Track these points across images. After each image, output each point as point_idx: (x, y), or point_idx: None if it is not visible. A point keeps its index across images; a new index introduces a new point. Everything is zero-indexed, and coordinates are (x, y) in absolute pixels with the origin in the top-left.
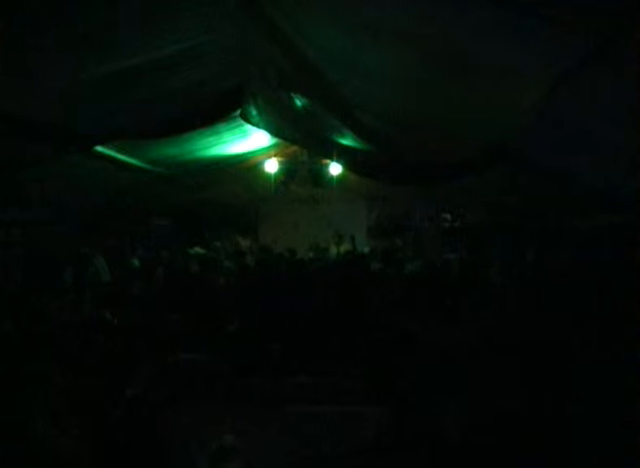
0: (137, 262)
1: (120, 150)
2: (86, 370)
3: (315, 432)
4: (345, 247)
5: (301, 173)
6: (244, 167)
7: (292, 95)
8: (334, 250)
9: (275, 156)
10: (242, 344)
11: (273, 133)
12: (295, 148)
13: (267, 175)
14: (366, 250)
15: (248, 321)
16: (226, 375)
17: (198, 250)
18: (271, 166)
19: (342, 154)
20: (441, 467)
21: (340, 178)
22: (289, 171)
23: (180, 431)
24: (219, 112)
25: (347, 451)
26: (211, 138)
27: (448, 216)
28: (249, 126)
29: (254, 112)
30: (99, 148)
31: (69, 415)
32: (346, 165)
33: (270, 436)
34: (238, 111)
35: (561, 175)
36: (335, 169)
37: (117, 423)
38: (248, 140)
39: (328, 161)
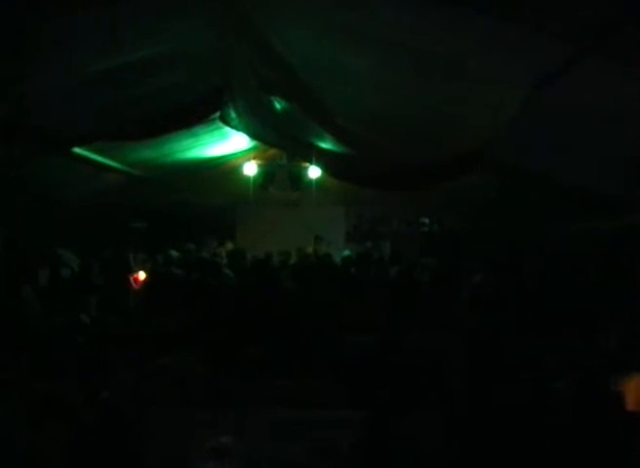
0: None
1: (98, 152)
2: (62, 374)
3: (295, 436)
4: (323, 250)
5: (280, 176)
6: (222, 169)
7: (271, 97)
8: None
9: (254, 159)
10: (223, 348)
11: (252, 135)
12: (273, 151)
13: (246, 178)
14: (346, 253)
15: (230, 325)
16: (207, 379)
17: (173, 253)
18: (250, 169)
19: (321, 157)
20: None
21: (319, 182)
22: (267, 174)
23: (158, 434)
24: (198, 114)
25: (326, 456)
26: (189, 141)
27: (426, 221)
28: (228, 128)
29: (233, 115)
30: (77, 150)
31: (46, 419)
32: (325, 168)
33: (250, 439)
34: (217, 113)
35: (539, 179)
36: (314, 172)
37: (93, 426)
38: (227, 143)
39: (307, 164)
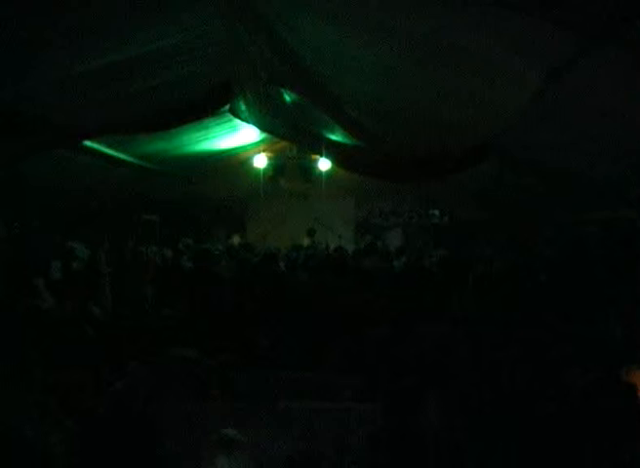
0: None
1: (109, 145)
2: (74, 366)
3: (307, 428)
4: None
5: (290, 168)
6: (233, 162)
7: (281, 90)
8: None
9: (264, 151)
10: (233, 339)
11: (262, 128)
12: (283, 143)
13: (256, 171)
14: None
15: (239, 316)
16: (217, 371)
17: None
18: (260, 161)
19: (331, 149)
20: (431, 464)
21: (329, 174)
22: (277, 166)
23: (169, 426)
24: (208, 107)
25: (339, 447)
26: (199, 133)
27: (436, 213)
28: (238, 121)
29: (243, 107)
30: (87, 143)
31: (57, 412)
32: (335, 160)
33: (260, 431)
34: (227, 106)
35: (548, 171)
36: (324, 164)
37: (105, 418)
38: (237, 135)
39: (317, 156)
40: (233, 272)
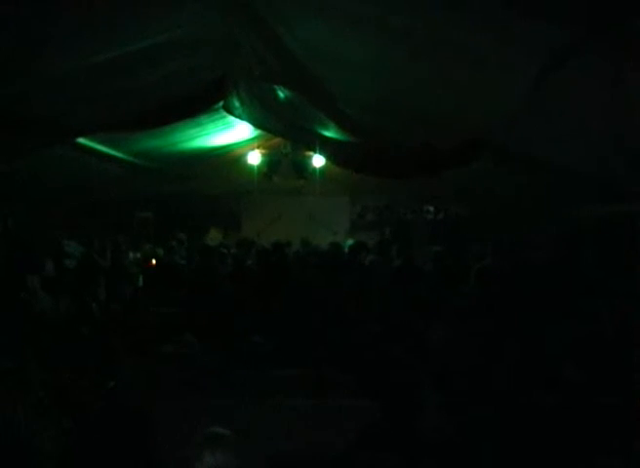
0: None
1: (103, 142)
2: (70, 364)
3: (301, 425)
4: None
5: (284, 164)
6: (227, 159)
7: (275, 86)
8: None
9: (258, 148)
10: (228, 336)
11: (256, 124)
12: (277, 140)
13: (250, 167)
14: (350, 242)
15: (237, 315)
16: (213, 368)
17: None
18: (254, 158)
19: (325, 146)
20: (425, 463)
21: (324, 171)
22: (272, 162)
23: (164, 422)
24: (202, 104)
25: (333, 445)
26: (193, 130)
27: (431, 209)
28: (231, 117)
29: (237, 104)
30: (81, 141)
31: (53, 410)
32: (329, 157)
33: (256, 428)
34: (221, 103)
35: (547, 167)
36: (318, 161)
37: (100, 415)
38: (230, 132)
39: (311, 153)
40: (230, 269)
